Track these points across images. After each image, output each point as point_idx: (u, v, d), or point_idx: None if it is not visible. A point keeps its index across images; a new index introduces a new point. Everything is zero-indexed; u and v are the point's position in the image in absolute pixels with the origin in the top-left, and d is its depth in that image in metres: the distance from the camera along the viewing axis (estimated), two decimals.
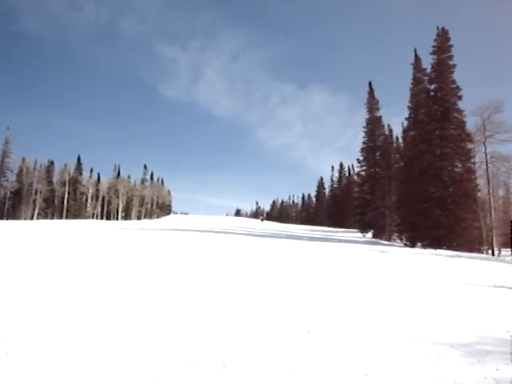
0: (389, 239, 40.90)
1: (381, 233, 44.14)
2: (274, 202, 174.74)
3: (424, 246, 30.64)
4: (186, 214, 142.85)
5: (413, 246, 32.24)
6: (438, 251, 25.16)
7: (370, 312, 6.82)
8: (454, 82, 34.14)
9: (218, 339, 4.97)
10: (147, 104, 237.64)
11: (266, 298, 7.61)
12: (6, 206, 73.25)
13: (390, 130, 52.17)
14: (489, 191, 33.35)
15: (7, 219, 64.35)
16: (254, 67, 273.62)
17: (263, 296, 7.86)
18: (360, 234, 49.35)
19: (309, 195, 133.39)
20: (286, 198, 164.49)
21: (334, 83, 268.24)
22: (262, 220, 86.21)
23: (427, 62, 36.27)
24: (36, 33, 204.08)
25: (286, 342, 4.96)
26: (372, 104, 49.54)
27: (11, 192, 73.99)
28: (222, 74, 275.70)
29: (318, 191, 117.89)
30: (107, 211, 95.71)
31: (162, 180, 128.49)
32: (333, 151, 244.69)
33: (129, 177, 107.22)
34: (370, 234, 47.92)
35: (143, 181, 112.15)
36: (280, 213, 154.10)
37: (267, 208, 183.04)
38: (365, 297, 8.27)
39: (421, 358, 4.56)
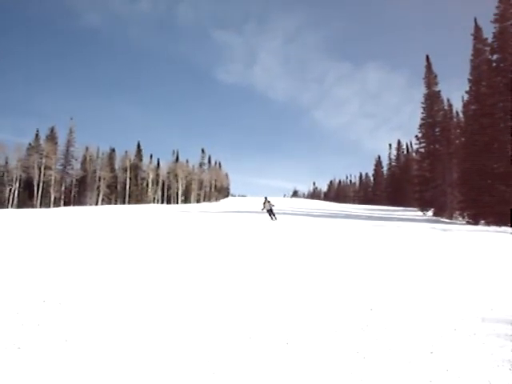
0: (450, 217, 39.55)
1: (442, 211, 42.71)
2: (331, 182, 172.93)
3: (488, 224, 29.39)
4: (243, 196, 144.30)
5: (476, 223, 31.00)
6: (503, 228, 23.91)
7: (435, 294, 6.43)
8: None
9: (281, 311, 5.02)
10: (204, 89, 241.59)
11: (329, 276, 7.49)
12: (73, 193, 76.91)
13: (450, 105, 50.05)
14: None
15: (74, 205, 67.43)
16: (309, 47, 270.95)
17: (326, 273, 7.77)
18: (420, 213, 47.98)
19: (366, 174, 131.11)
20: (343, 178, 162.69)
21: (391, 60, 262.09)
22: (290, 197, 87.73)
23: (488, 32, 34.40)
24: (95, 27, 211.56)
25: (348, 320, 4.88)
26: (430, 78, 47.56)
27: (76, 179, 77.50)
28: (277, 56, 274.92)
29: (375, 170, 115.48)
30: (167, 195, 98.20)
31: (220, 163, 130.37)
32: (390, 129, 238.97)
33: (187, 161, 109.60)
34: (430, 213, 46.43)
35: (201, 165, 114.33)
36: (337, 193, 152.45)
37: (324, 188, 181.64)
38: (432, 276, 7.85)
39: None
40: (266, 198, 26.25)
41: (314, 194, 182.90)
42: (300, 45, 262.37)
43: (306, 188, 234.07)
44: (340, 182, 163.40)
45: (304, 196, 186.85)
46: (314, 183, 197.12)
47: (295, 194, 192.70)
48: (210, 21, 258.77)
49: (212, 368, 3.54)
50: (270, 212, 25.65)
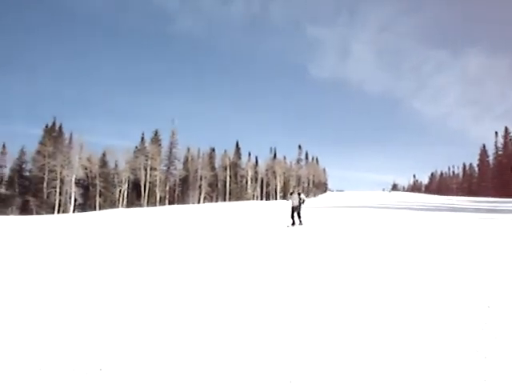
0: None
1: None
2: (432, 174, 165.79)
3: None
4: (341, 191, 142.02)
5: None
6: None
7: None
8: None
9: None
10: (298, 85, 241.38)
11: (442, 271, 6.92)
12: (176, 192, 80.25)
13: None
14: None
15: (177, 204, 70.33)
16: (403, 36, 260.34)
17: (439, 268, 7.18)
18: None
19: (470, 165, 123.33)
20: (445, 170, 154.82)
21: (494, 43, 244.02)
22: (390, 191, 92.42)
23: None
24: (190, 31, 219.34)
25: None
26: None
27: (179, 179, 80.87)
28: (370, 48, 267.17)
29: (480, 160, 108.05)
30: (266, 192, 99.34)
31: (317, 159, 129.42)
32: (496, 116, 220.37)
33: (284, 158, 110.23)
34: None
35: (298, 161, 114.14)
36: (439, 185, 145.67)
37: (425, 181, 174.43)
38: None
39: None
40: (295, 188, 18.15)
41: (414, 187, 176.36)
42: (394, 34, 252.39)
43: (405, 181, 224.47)
44: (442, 173, 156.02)
45: (404, 189, 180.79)
46: (414, 175, 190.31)
47: (394, 187, 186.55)
48: (302, 16, 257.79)
49: None
50: (296, 211, 16.45)
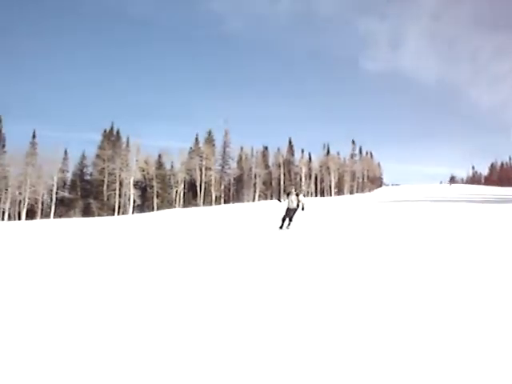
0: None
1: None
2: (492, 164, 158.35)
3: None
4: (397, 185, 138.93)
5: None
6: None
7: None
8: None
9: None
10: (349, 80, 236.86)
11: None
12: (231, 191, 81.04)
13: None
14: None
15: (233, 203, 70.98)
16: (457, 23, 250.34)
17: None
18: None
19: None
20: (506, 159, 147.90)
21: None
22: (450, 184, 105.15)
23: None
24: (239, 31, 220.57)
25: None
26: None
27: (234, 178, 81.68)
28: (423, 37, 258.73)
29: None
30: (320, 188, 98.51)
31: (371, 153, 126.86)
32: None
33: (338, 153, 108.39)
34: None
35: (352, 156, 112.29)
36: (500, 176, 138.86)
37: (485, 172, 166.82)
38: None
39: None
40: (292, 188, 15.31)
41: (474, 179, 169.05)
42: (447, 21, 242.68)
43: (464, 173, 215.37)
44: (503, 163, 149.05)
45: (462, 181, 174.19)
46: (473, 167, 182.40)
47: (452, 179, 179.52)
48: (352, 9, 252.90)
49: None
50: (290, 215, 14.27)
